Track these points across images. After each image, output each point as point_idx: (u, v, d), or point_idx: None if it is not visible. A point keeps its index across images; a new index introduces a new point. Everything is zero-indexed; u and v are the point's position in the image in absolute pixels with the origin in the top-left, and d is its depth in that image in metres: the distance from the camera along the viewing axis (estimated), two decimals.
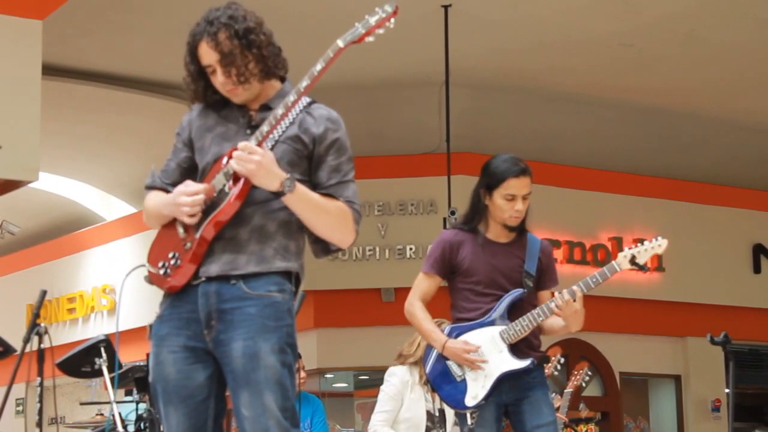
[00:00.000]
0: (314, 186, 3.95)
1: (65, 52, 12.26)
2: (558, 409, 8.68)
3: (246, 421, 3.80)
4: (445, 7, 11.66)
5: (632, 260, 5.47)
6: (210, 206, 3.88)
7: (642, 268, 5.48)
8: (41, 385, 7.24)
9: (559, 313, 5.44)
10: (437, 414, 7.32)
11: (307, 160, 3.95)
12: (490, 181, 5.55)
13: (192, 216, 3.87)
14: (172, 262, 3.93)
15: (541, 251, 5.63)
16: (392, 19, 3.80)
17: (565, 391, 9.46)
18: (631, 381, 15.48)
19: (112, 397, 7.40)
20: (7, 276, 18.37)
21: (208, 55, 3.90)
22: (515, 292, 5.52)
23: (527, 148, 12.78)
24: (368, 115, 13.93)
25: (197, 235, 3.89)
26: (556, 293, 5.46)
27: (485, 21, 12.01)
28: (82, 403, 11.02)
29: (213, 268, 3.88)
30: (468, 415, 5.54)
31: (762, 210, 15.87)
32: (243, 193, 3.85)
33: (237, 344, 3.81)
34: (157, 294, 4.06)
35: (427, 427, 7.30)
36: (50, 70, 11.46)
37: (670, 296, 14.95)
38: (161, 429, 5.57)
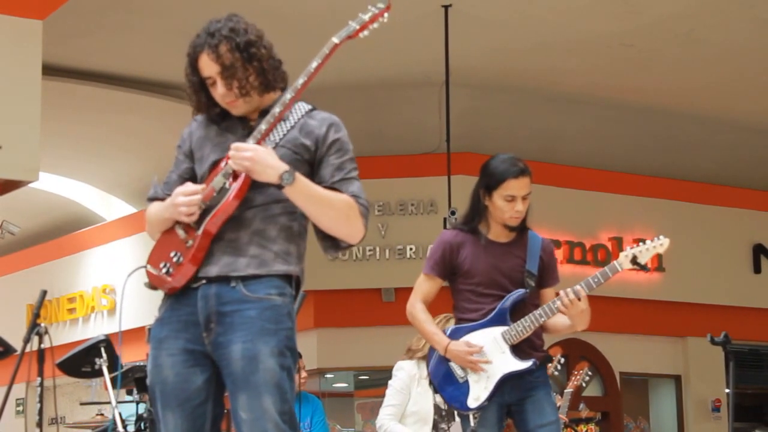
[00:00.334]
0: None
1: (65, 52, 12.26)
2: (558, 409, 8.68)
3: (244, 424, 3.80)
4: (446, 7, 11.66)
5: (634, 260, 5.46)
6: (210, 205, 3.89)
7: (643, 267, 5.47)
8: (41, 385, 7.24)
9: (565, 312, 5.43)
10: (445, 408, 7.33)
11: (308, 165, 3.94)
12: (489, 181, 5.54)
13: (190, 215, 3.88)
14: (174, 260, 3.92)
15: (542, 249, 5.62)
16: (385, 14, 3.80)
17: (566, 391, 9.46)
18: (632, 381, 15.48)
19: (112, 397, 7.40)
20: (8, 276, 18.37)
21: (209, 67, 3.90)
22: (517, 293, 5.52)
23: (527, 148, 12.79)
24: (368, 115, 13.93)
25: (199, 232, 3.89)
26: (561, 292, 5.45)
27: (485, 21, 12.01)
28: (82, 403, 11.03)
29: (213, 269, 3.88)
30: (471, 416, 5.54)
31: (762, 210, 15.87)
32: (242, 190, 3.85)
33: (236, 347, 3.81)
34: (156, 295, 4.05)
35: (434, 420, 7.30)
36: (50, 70, 11.46)
37: (671, 296, 14.95)
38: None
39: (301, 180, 3.83)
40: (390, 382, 7.63)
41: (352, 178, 3.97)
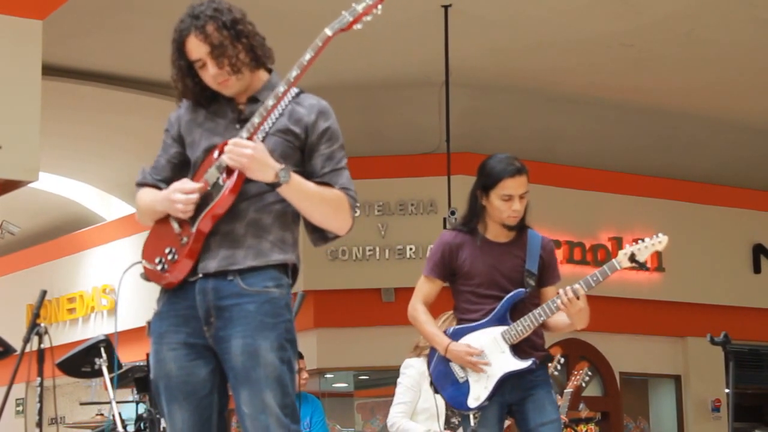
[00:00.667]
0: (308, 175, 3.95)
1: (65, 52, 12.25)
2: (558, 408, 8.67)
3: (247, 418, 3.82)
4: (445, 7, 11.66)
5: (632, 258, 5.46)
6: (204, 200, 3.88)
7: (642, 266, 5.46)
8: (41, 385, 7.23)
9: (564, 310, 5.43)
10: None
11: (300, 151, 3.95)
12: (486, 181, 5.54)
13: (186, 213, 3.88)
14: (169, 257, 3.92)
15: (542, 248, 5.62)
16: (379, 6, 3.79)
17: (565, 391, 9.46)
18: (631, 381, 15.47)
19: (112, 398, 7.39)
20: (7, 276, 18.37)
21: (197, 48, 3.89)
22: (516, 293, 5.51)
23: (527, 148, 12.79)
24: (368, 115, 13.93)
25: (193, 230, 3.89)
26: (560, 291, 5.44)
27: (485, 21, 12.01)
28: (82, 403, 11.02)
29: (211, 264, 3.88)
30: (471, 416, 5.54)
31: (762, 210, 15.87)
32: (237, 185, 3.85)
33: (236, 341, 3.82)
34: (155, 294, 4.06)
35: (446, 415, 7.30)
36: (50, 70, 11.45)
37: (670, 296, 14.95)
38: (161, 428, 5.58)
39: (295, 178, 3.84)
40: (399, 380, 7.64)
41: (342, 168, 3.99)
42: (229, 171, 3.86)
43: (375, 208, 13.93)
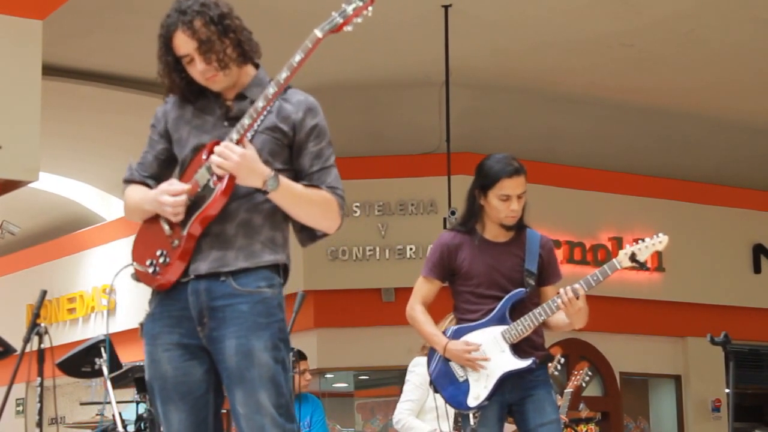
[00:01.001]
0: (296, 172, 3.94)
1: (65, 52, 12.25)
2: (558, 409, 8.67)
3: (242, 418, 3.82)
4: (445, 7, 11.65)
5: (632, 257, 5.46)
6: (195, 202, 3.87)
7: (642, 266, 5.47)
8: (41, 385, 7.23)
9: (563, 310, 5.43)
10: None
11: (288, 149, 3.94)
12: (484, 182, 5.54)
13: (176, 215, 3.87)
14: (161, 260, 3.92)
15: (541, 247, 5.61)
16: (370, 8, 3.73)
17: (565, 391, 9.46)
18: (632, 381, 15.47)
19: (112, 397, 7.40)
20: (7, 276, 18.37)
21: (185, 44, 3.87)
22: (516, 293, 5.51)
23: (527, 148, 12.80)
24: (368, 115, 13.93)
25: (184, 232, 3.88)
26: (560, 290, 5.44)
27: (485, 21, 12.01)
28: (82, 403, 11.01)
29: (202, 266, 3.87)
30: (471, 416, 5.54)
31: (762, 210, 15.86)
32: (229, 188, 3.84)
33: (230, 342, 3.82)
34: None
35: (455, 414, 7.30)
36: (50, 70, 11.45)
37: (671, 296, 14.95)
38: (161, 429, 5.56)
39: (284, 183, 3.83)
40: (408, 377, 7.65)
41: (330, 166, 3.97)
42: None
43: (375, 208, 13.93)
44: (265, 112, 3.87)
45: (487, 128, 14.14)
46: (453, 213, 11.62)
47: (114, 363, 7.55)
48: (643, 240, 5.51)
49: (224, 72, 3.89)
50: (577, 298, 5.41)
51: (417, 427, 7.49)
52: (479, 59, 12.96)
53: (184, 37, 3.86)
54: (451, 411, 6.84)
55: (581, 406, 10.94)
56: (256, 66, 4.03)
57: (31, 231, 17.19)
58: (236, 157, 3.76)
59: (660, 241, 5.49)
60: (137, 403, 7.91)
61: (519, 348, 5.51)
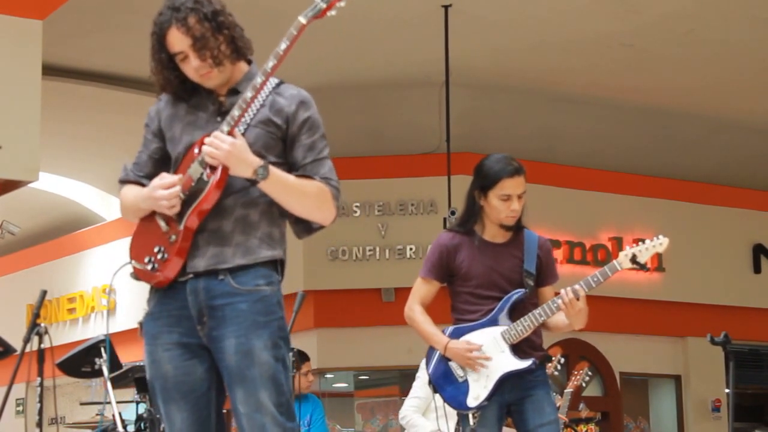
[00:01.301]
0: (290, 166, 3.93)
1: (65, 52, 12.25)
2: (558, 409, 8.68)
3: (243, 417, 3.82)
4: (446, 7, 11.66)
5: (633, 259, 5.46)
6: (190, 196, 3.86)
7: (643, 267, 5.47)
8: (41, 385, 7.23)
9: (564, 311, 5.43)
10: None
11: (282, 142, 3.94)
12: (484, 182, 5.53)
13: (172, 207, 3.86)
14: (159, 256, 3.92)
15: (539, 248, 5.61)
16: None
17: (566, 391, 9.46)
18: (632, 381, 15.47)
19: (112, 397, 7.39)
20: (8, 276, 18.37)
21: (179, 41, 3.86)
22: (517, 293, 5.51)
23: (527, 148, 12.80)
24: (368, 115, 13.93)
25: (181, 227, 3.87)
26: (561, 291, 5.44)
27: (485, 21, 12.01)
28: (82, 403, 11.02)
29: (200, 263, 3.87)
30: (470, 416, 5.54)
31: (762, 210, 15.86)
32: (222, 180, 3.83)
33: (230, 341, 3.82)
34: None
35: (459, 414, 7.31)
36: (50, 70, 11.45)
37: (671, 296, 14.95)
38: (161, 428, 5.57)
39: (275, 173, 3.82)
40: (417, 374, 7.68)
41: (323, 158, 3.95)
42: (214, 166, 3.84)
43: (375, 208, 13.92)
44: (258, 106, 3.87)
45: (487, 128, 14.14)
46: (453, 213, 11.62)
47: (114, 363, 7.55)
48: (643, 241, 5.51)
49: (218, 68, 3.88)
50: (578, 299, 5.41)
51: (420, 425, 7.50)
52: (479, 59, 12.96)
53: (179, 34, 3.85)
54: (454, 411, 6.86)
55: (581, 406, 10.95)
56: (249, 62, 4.03)
57: (31, 231, 17.19)
58: (226, 146, 3.76)
59: (660, 243, 5.49)
60: (137, 403, 7.91)
61: (518, 348, 5.51)
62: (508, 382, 5.50)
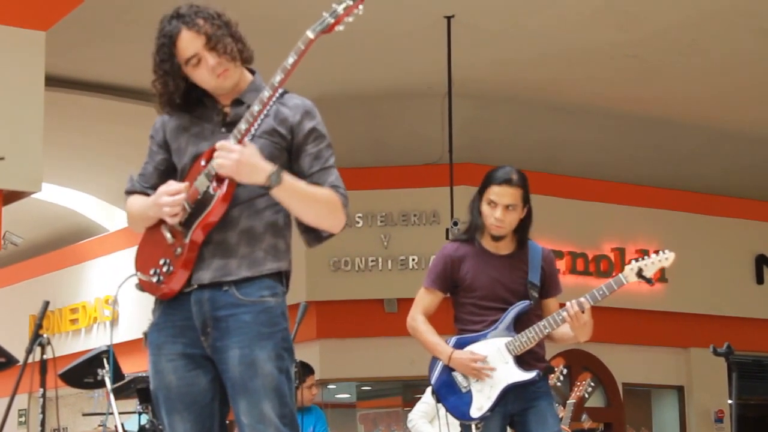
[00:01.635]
0: (296, 176, 3.90)
1: (68, 63, 12.27)
2: (561, 420, 8.67)
3: (246, 428, 3.81)
4: (448, 18, 11.67)
5: (639, 273, 5.45)
6: (196, 209, 3.85)
7: (648, 281, 5.46)
8: (44, 395, 7.22)
9: (569, 323, 5.43)
10: None
11: (286, 152, 3.92)
12: (480, 187, 5.58)
13: (174, 216, 3.85)
14: (164, 269, 3.90)
15: (543, 260, 5.61)
16: (360, 6, 3.68)
17: (568, 402, 9.45)
18: (634, 392, 15.46)
19: (114, 408, 7.39)
20: (10, 287, 18.38)
21: (192, 43, 3.85)
22: (521, 304, 5.51)
23: (530, 159, 12.80)
24: (371, 126, 13.93)
25: (186, 240, 3.87)
26: (567, 303, 5.43)
27: (488, 32, 12.02)
28: (84, 414, 11.01)
29: (205, 275, 3.86)
30: (473, 426, 5.53)
31: (765, 221, 15.86)
32: (229, 193, 3.82)
33: (233, 352, 3.81)
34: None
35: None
36: (53, 81, 11.46)
37: (673, 307, 14.94)
38: None
39: (287, 179, 3.80)
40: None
41: (330, 167, 3.94)
42: (220, 179, 3.83)
43: (378, 219, 13.93)
44: (262, 116, 3.86)
45: (490, 139, 14.15)
46: (455, 224, 11.62)
47: (116, 374, 7.54)
48: (649, 256, 5.51)
49: (234, 64, 3.88)
50: (583, 312, 5.41)
51: (424, 431, 7.51)
52: (481, 70, 12.97)
53: (191, 35, 3.85)
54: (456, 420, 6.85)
55: (584, 417, 10.94)
56: (252, 72, 4.03)
57: (33, 242, 17.21)
58: (235, 155, 3.74)
59: (666, 258, 5.49)
60: (140, 414, 7.90)
61: (522, 360, 5.51)
62: (511, 393, 5.50)
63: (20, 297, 17.52)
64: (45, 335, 7.15)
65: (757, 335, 15.28)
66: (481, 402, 5.50)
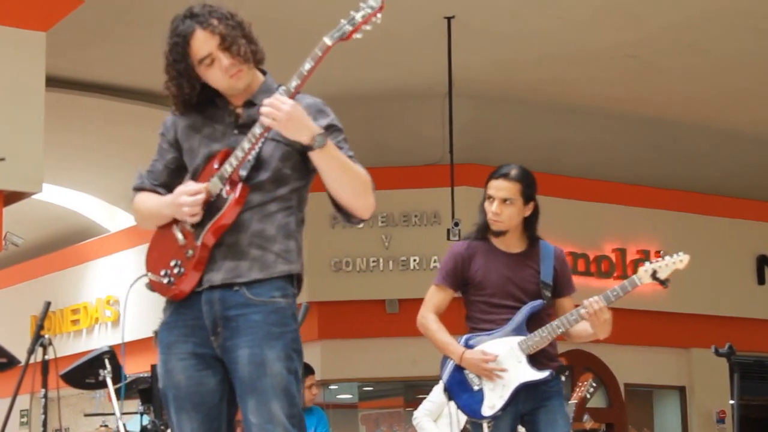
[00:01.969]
0: (313, 172, 3.90)
1: (68, 63, 12.27)
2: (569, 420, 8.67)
3: (254, 428, 3.80)
4: (448, 19, 11.66)
5: (653, 275, 5.45)
6: (208, 211, 3.85)
7: (663, 282, 5.46)
8: (45, 396, 7.23)
9: (589, 321, 5.43)
10: None
11: (298, 154, 3.88)
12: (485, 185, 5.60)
13: (194, 215, 3.84)
14: (175, 270, 3.90)
15: (555, 259, 5.62)
16: (378, 15, 3.67)
17: (570, 402, 9.44)
18: (636, 392, 15.45)
19: (116, 409, 7.39)
20: (11, 287, 18.38)
21: (206, 43, 3.84)
22: (534, 304, 5.51)
23: (531, 159, 12.71)
24: (372, 127, 13.93)
25: (198, 242, 3.86)
26: (585, 301, 5.42)
27: (488, 33, 12.02)
28: (86, 415, 11.01)
29: (216, 277, 3.86)
30: (484, 425, 5.52)
31: (766, 221, 15.85)
32: (242, 197, 3.82)
33: (243, 351, 3.81)
34: (160, 305, 4.04)
35: (465, 429, 7.34)
36: (53, 82, 11.46)
37: (675, 308, 14.93)
38: None
39: (330, 144, 3.77)
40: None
41: (351, 157, 3.91)
42: (232, 182, 3.82)
43: (378, 220, 13.92)
44: None
45: (491, 139, 14.15)
46: (456, 224, 11.62)
47: (118, 374, 7.54)
48: (663, 258, 5.50)
49: (247, 65, 3.86)
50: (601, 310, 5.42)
51: (428, 429, 7.53)
52: (482, 70, 12.97)
53: (205, 35, 3.83)
54: (462, 419, 6.86)
55: (585, 417, 10.94)
56: (263, 72, 4.01)
57: (34, 242, 17.20)
58: (286, 107, 3.69)
59: (681, 260, 5.49)
60: (141, 414, 7.90)
61: (535, 359, 5.50)
62: (523, 392, 5.50)
63: (21, 298, 17.52)
64: (46, 336, 7.17)
65: (758, 336, 15.27)
66: (494, 400, 5.50)
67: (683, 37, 12.22)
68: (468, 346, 5.55)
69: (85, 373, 7.65)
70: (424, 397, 7.98)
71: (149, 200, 4.05)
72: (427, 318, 5.65)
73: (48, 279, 17.53)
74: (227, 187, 3.83)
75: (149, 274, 4.00)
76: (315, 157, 3.77)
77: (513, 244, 5.61)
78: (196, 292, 3.89)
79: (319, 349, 13.80)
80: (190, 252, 3.88)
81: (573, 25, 11.88)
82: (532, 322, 5.51)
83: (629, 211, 14.91)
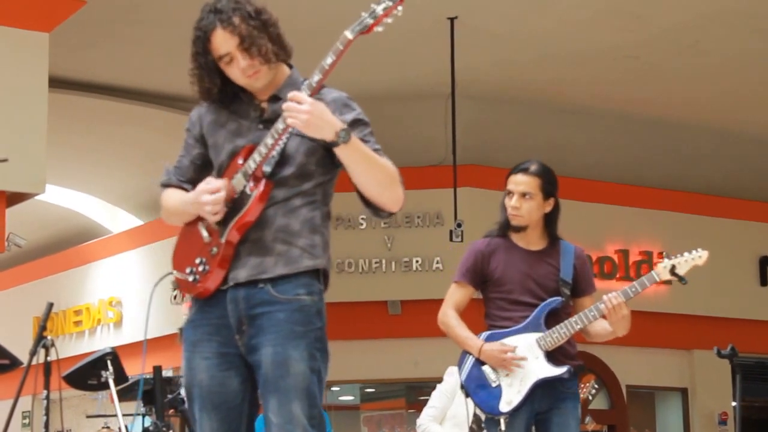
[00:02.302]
0: (338, 166, 3.88)
1: (71, 64, 12.28)
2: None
3: (274, 426, 3.79)
4: (451, 20, 11.67)
5: (672, 270, 5.45)
6: (232, 208, 3.84)
7: (681, 279, 5.45)
8: (48, 397, 7.23)
9: (607, 317, 5.43)
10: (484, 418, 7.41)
11: (323, 149, 3.85)
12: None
13: (215, 214, 3.83)
14: (200, 268, 3.89)
15: (575, 258, 5.65)
16: (400, 7, 3.66)
17: None
18: (638, 394, 15.44)
19: (118, 410, 7.39)
20: (14, 288, 18.38)
21: (226, 42, 3.81)
22: (553, 301, 5.52)
23: None
24: (374, 127, 13.81)
25: (222, 240, 3.85)
26: (604, 297, 5.42)
27: (491, 33, 12.03)
28: (88, 416, 11.01)
29: (241, 274, 3.84)
30: (501, 421, 5.52)
31: None
32: (266, 193, 3.81)
33: (267, 350, 3.79)
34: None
35: (470, 429, 7.34)
36: (56, 83, 11.48)
37: (677, 309, 14.92)
38: None
39: (355, 138, 3.75)
40: (438, 385, 7.74)
41: (378, 149, 3.89)
42: (256, 178, 3.82)
43: (381, 221, 13.92)
44: None
45: (493, 140, 14.15)
46: (459, 225, 11.62)
47: (120, 376, 7.54)
48: (681, 254, 5.50)
49: (267, 66, 3.84)
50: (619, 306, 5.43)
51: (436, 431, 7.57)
52: (485, 71, 12.97)
53: (225, 35, 3.81)
54: (467, 422, 6.87)
55: (588, 419, 10.95)
56: (290, 66, 3.99)
57: (37, 243, 17.20)
58: (306, 107, 3.67)
59: (699, 256, 5.49)
60: (143, 416, 7.90)
61: (553, 356, 5.51)
62: (540, 389, 5.50)
63: (24, 299, 17.52)
64: (49, 337, 7.16)
65: (760, 337, 15.27)
66: (511, 396, 5.51)
67: (684, 38, 12.22)
68: (487, 341, 5.57)
69: (88, 375, 7.64)
70: (427, 399, 7.99)
71: (174, 197, 4.02)
72: (447, 314, 5.67)
73: (50, 280, 17.54)
74: (251, 184, 3.82)
75: (175, 271, 3.99)
76: (340, 152, 3.75)
77: (533, 241, 5.64)
78: (221, 290, 3.87)
79: None
80: (215, 249, 3.87)
81: (575, 26, 11.89)
82: (551, 320, 5.53)
83: (631, 212, 14.91)
